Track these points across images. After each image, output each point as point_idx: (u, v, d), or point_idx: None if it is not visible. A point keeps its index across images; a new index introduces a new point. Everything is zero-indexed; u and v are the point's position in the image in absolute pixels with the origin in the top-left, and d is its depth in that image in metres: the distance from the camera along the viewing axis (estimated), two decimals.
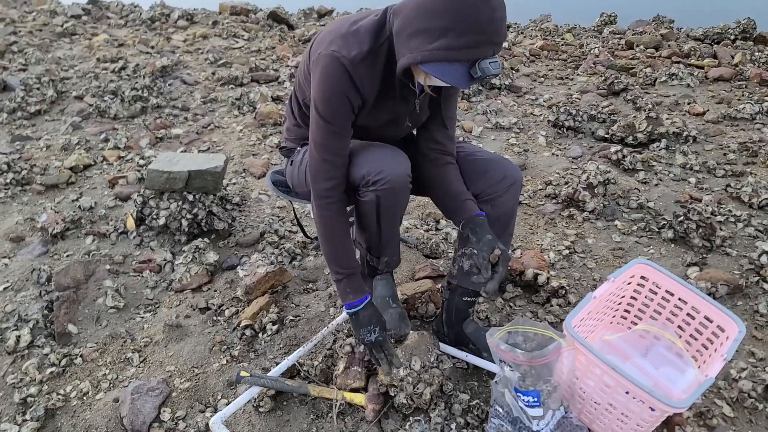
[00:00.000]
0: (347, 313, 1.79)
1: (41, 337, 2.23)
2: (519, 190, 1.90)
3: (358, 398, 1.82)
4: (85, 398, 1.97)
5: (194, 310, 2.39)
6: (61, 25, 6.61)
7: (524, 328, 1.71)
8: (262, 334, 2.21)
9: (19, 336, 2.21)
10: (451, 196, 1.85)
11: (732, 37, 6.34)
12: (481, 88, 4.91)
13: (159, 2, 8.15)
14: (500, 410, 1.69)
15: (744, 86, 4.85)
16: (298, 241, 2.82)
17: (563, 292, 2.38)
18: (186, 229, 2.79)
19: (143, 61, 5.49)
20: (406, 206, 1.85)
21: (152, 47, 6.19)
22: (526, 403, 1.63)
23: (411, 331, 1.94)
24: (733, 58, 5.56)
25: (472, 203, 1.82)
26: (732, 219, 2.89)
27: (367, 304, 1.77)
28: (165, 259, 2.68)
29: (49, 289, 2.46)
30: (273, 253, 2.70)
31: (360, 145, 1.78)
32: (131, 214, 2.90)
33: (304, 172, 1.90)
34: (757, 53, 5.57)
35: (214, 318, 2.33)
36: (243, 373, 1.91)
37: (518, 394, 1.64)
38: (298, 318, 2.30)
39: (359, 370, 1.89)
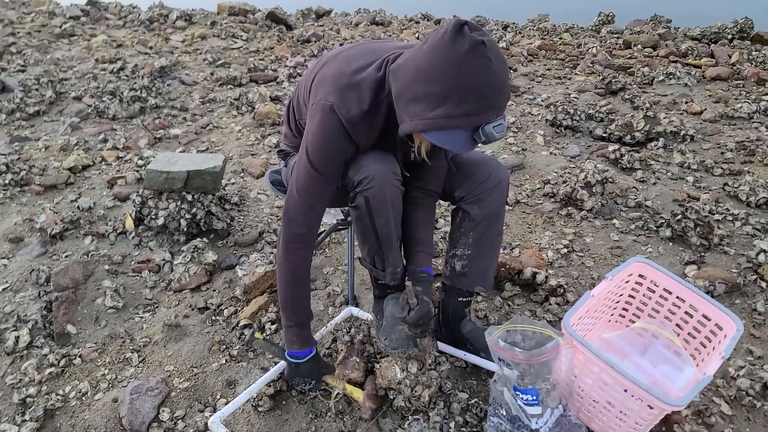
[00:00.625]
0: (288, 360, 1.80)
1: (40, 338, 2.23)
2: (506, 189, 1.89)
3: (357, 393, 1.82)
4: (84, 398, 1.98)
5: (193, 309, 2.39)
6: (60, 26, 6.61)
7: (523, 327, 1.71)
8: (261, 333, 2.21)
9: (18, 336, 2.21)
10: (409, 241, 1.88)
11: (729, 37, 6.36)
12: None
13: (157, 3, 8.16)
14: (499, 409, 1.69)
15: (741, 85, 4.86)
16: None
17: (561, 290, 2.39)
18: (185, 229, 2.79)
19: (142, 62, 5.49)
20: (401, 210, 1.80)
21: (151, 48, 6.20)
22: (525, 402, 1.63)
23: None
24: (730, 57, 5.57)
25: (424, 256, 1.86)
26: (730, 217, 2.90)
27: (310, 359, 1.79)
28: (164, 259, 2.68)
29: (48, 290, 2.46)
30: (272, 253, 2.70)
31: (358, 155, 1.78)
32: (130, 215, 2.90)
33: None
34: (754, 52, 5.58)
35: (213, 318, 2.34)
36: (257, 335, 1.93)
37: (517, 392, 1.64)
38: None
39: (357, 360, 1.91)
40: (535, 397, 1.63)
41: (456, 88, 1.32)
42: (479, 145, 1.42)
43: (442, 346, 2.02)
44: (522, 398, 1.64)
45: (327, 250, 2.78)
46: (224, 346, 2.16)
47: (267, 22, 7.54)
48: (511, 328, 1.71)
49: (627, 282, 1.96)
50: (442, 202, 2.03)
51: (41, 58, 5.59)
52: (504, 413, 1.67)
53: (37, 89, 4.59)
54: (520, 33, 7.35)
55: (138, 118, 4.35)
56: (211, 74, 5.33)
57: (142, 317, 2.38)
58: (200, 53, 6.03)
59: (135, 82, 4.67)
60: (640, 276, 1.93)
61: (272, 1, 8.46)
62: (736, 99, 4.53)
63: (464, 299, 2.01)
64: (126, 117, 4.36)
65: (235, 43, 6.49)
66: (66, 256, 2.77)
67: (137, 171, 3.47)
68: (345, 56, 1.66)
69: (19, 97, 4.43)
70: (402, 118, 1.46)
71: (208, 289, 2.53)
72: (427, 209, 1.90)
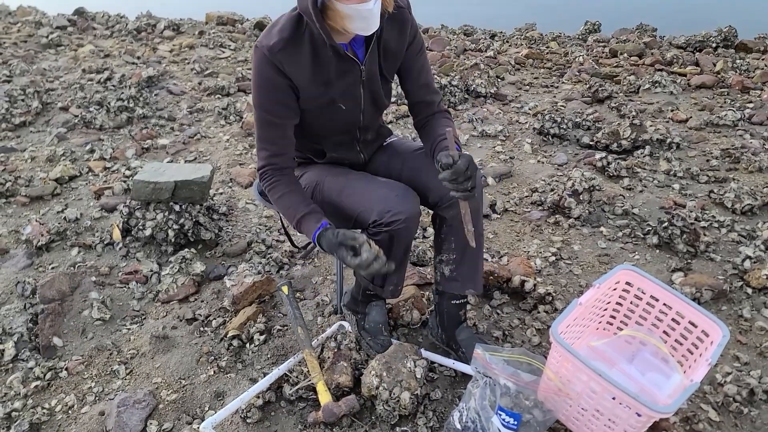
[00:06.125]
0: (319, 244, 1.67)
1: (26, 351, 2.21)
2: (479, 191, 1.87)
3: (324, 397, 1.82)
4: (70, 412, 1.95)
5: (181, 321, 2.38)
6: (47, 36, 6.58)
7: (518, 358, 1.73)
8: (250, 344, 2.20)
9: (3, 350, 2.18)
10: (431, 142, 1.86)
11: (714, 45, 6.43)
12: (467, 96, 4.94)
13: (145, 12, 8.13)
14: (467, 411, 1.70)
15: (726, 93, 4.92)
16: (286, 251, 2.82)
17: (550, 298, 2.40)
18: (172, 240, 2.78)
19: (129, 72, 5.47)
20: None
21: (138, 57, 6.18)
22: (504, 423, 1.64)
23: (392, 340, 2.02)
24: (715, 65, 5.63)
25: (443, 141, 1.80)
26: (716, 224, 2.92)
27: (329, 227, 1.68)
28: (151, 270, 2.66)
29: (33, 302, 2.43)
30: (260, 263, 2.69)
31: (361, 184, 1.81)
32: (117, 225, 2.88)
33: None
34: (738, 60, 5.65)
35: (201, 329, 2.32)
36: (284, 289, 2.09)
37: (501, 411, 1.64)
38: (285, 327, 2.29)
39: (345, 365, 1.92)
40: (515, 423, 1.63)
41: None
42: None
43: (426, 354, 2.03)
44: (503, 419, 1.64)
45: (315, 259, 2.78)
46: (212, 358, 2.15)
47: (255, 31, 7.54)
48: (507, 358, 1.73)
49: (614, 290, 1.97)
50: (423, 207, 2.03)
51: (27, 68, 5.56)
52: (470, 417, 1.68)
53: (23, 99, 4.56)
54: (507, 42, 7.41)
55: (125, 128, 4.33)
56: (199, 84, 5.32)
57: (129, 329, 2.36)
58: (188, 63, 6.02)
59: (122, 92, 4.65)
60: (627, 283, 1.95)
61: (260, 11, 8.48)
62: (720, 107, 4.59)
63: (457, 302, 2.04)
64: (113, 127, 4.34)
65: (224, 52, 6.49)
66: (52, 268, 2.74)
67: (124, 181, 3.45)
68: None
69: (4, 108, 4.39)
70: None
71: (196, 299, 2.51)
72: (432, 120, 1.94)
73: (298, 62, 1.65)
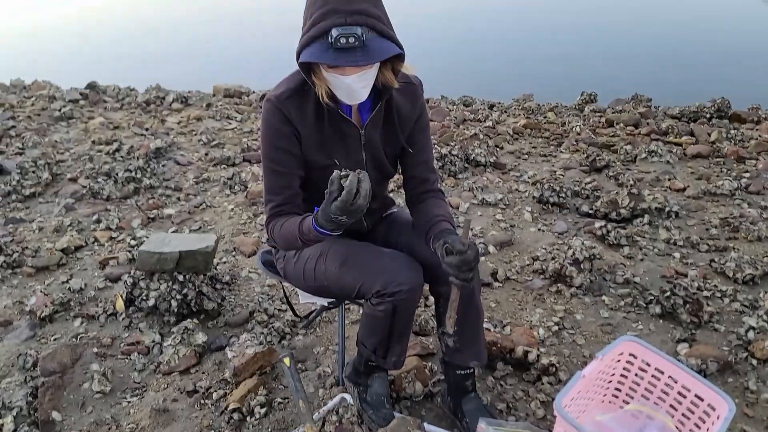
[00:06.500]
0: (322, 229, 1.58)
1: (24, 426, 2.18)
2: (477, 276, 1.87)
3: None
4: None
5: (182, 393, 2.36)
6: (59, 110, 6.78)
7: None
8: (250, 417, 2.17)
9: (2, 425, 2.15)
10: (425, 221, 1.85)
11: (708, 116, 6.58)
12: (467, 165, 5.04)
13: (154, 85, 8.40)
14: None
15: (722, 163, 5.01)
16: (288, 320, 2.81)
17: (554, 369, 2.38)
18: (175, 310, 2.78)
19: (137, 143, 5.61)
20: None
21: (147, 129, 6.34)
22: None
23: (394, 413, 1.99)
24: (709, 135, 5.75)
25: (445, 222, 1.80)
26: (718, 294, 2.92)
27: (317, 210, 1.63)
28: (153, 341, 2.66)
29: (34, 375, 2.42)
30: (262, 333, 2.69)
31: (365, 254, 1.83)
32: (121, 296, 2.90)
33: (301, 268, 1.92)
34: (732, 131, 5.77)
35: (202, 401, 2.30)
36: (286, 361, 2.02)
37: None
38: (287, 400, 2.27)
39: None
40: None
41: (310, 6, 1.52)
42: (334, 51, 1.48)
43: (429, 428, 2.01)
44: None
45: (318, 329, 2.77)
46: (212, 431, 2.12)
47: (261, 103, 7.77)
48: None
49: (618, 361, 1.96)
50: None
51: (39, 140, 5.71)
52: None
53: (34, 171, 4.66)
54: (505, 112, 7.59)
55: (132, 199, 4.41)
56: (206, 154, 5.45)
57: (129, 402, 2.34)
58: (195, 134, 6.17)
59: (130, 163, 4.76)
60: (631, 355, 1.94)
61: (266, 84, 8.74)
62: (717, 176, 4.66)
63: (462, 372, 2.05)
64: (120, 197, 4.42)
65: (230, 123, 6.67)
66: (54, 339, 2.74)
67: (129, 251, 3.49)
68: None
69: (15, 180, 4.49)
70: None
71: (197, 371, 2.50)
72: (429, 200, 1.95)
73: (304, 113, 1.72)
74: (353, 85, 1.58)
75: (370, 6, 1.51)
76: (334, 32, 1.44)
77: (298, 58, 1.56)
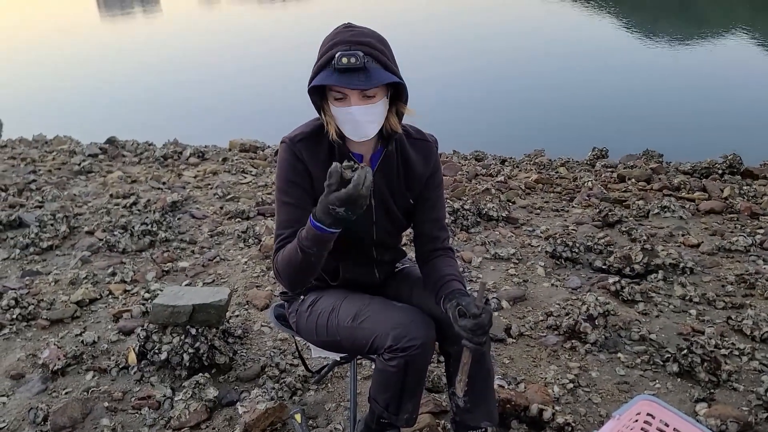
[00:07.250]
0: (322, 225, 1.57)
1: None
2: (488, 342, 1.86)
3: None
4: None
5: None
6: (79, 164, 6.94)
7: None
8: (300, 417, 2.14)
9: None
10: (435, 280, 1.86)
11: (720, 172, 6.60)
12: (479, 219, 5.06)
13: (172, 140, 8.60)
14: None
15: (735, 219, 5.00)
16: (299, 375, 2.79)
17: (570, 429, 2.33)
18: (187, 364, 2.78)
19: (154, 197, 5.71)
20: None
21: (164, 183, 6.47)
22: None
23: None
24: (722, 191, 5.76)
25: (456, 282, 1.81)
26: (736, 352, 2.87)
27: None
28: (164, 395, 2.64)
29: (44, 429, 2.41)
30: (273, 388, 2.67)
31: (377, 309, 1.82)
32: (133, 349, 2.90)
33: (314, 323, 1.92)
34: (745, 187, 5.78)
35: None
36: (297, 417, 2.04)
37: None
38: None
39: None
40: None
41: (321, 46, 1.66)
42: (338, 74, 1.59)
43: None
44: None
45: (329, 384, 2.75)
46: None
47: (275, 158, 7.91)
48: None
49: (636, 421, 1.92)
50: None
51: (59, 194, 5.83)
52: None
53: (52, 224, 4.74)
54: (517, 167, 7.67)
55: (147, 252, 4.46)
56: (221, 208, 5.53)
57: None
58: (211, 188, 6.28)
59: (147, 217, 4.84)
60: (649, 415, 1.90)
61: (280, 138, 8.92)
62: (731, 232, 4.64)
63: None
64: (135, 250, 4.47)
65: (245, 177, 6.78)
66: (66, 393, 2.73)
67: (143, 304, 3.51)
68: None
69: (34, 233, 4.57)
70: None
71: (207, 426, 2.47)
72: (438, 259, 1.97)
73: (316, 155, 1.80)
74: (358, 117, 1.65)
75: (375, 41, 1.64)
76: (338, 55, 1.57)
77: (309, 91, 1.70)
